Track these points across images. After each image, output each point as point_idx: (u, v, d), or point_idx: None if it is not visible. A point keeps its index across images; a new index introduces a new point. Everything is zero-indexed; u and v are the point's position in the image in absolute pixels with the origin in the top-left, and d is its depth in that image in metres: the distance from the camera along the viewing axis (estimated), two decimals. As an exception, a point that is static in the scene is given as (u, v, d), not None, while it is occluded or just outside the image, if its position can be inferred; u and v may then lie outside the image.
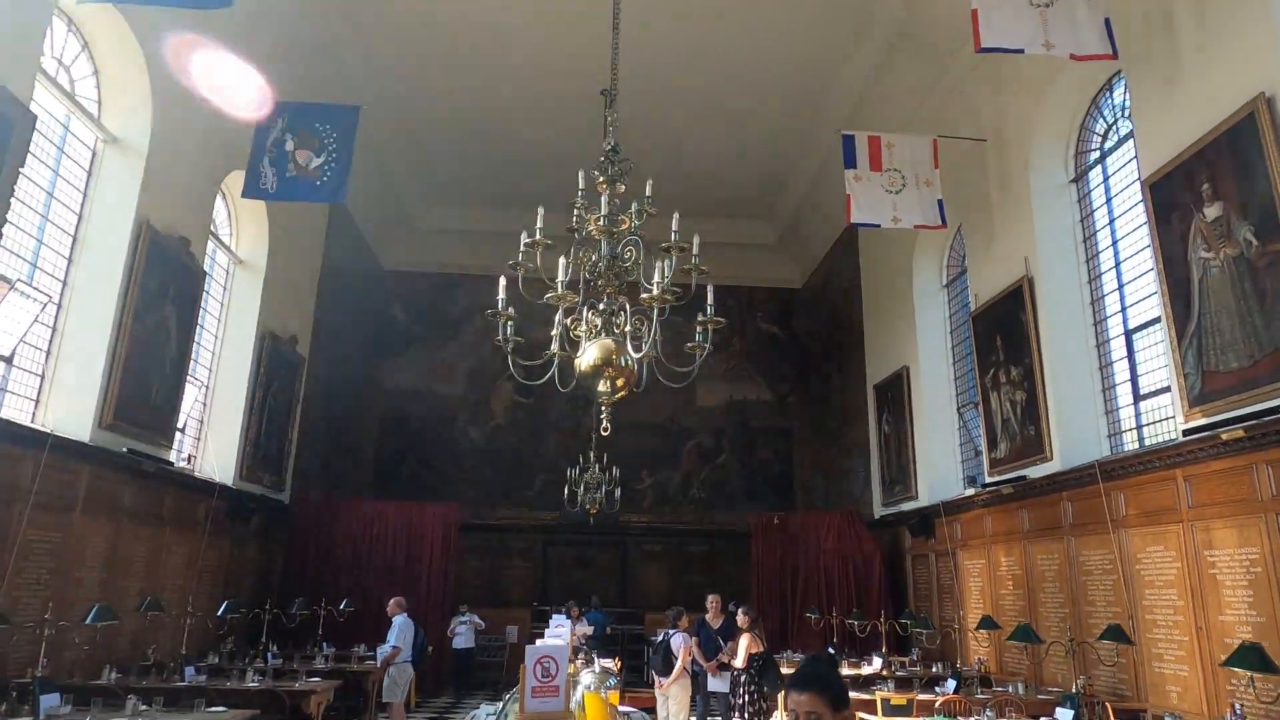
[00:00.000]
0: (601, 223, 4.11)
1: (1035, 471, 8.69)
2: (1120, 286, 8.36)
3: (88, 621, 5.97)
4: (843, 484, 15.33)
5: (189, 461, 10.04)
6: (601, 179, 4.41)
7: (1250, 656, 4.12)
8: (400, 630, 7.99)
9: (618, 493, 11.80)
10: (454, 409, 17.53)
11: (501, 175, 15.82)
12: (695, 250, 4.21)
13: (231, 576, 10.74)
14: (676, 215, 4.26)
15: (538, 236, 4.23)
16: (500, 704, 4.72)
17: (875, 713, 6.50)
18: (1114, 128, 8.65)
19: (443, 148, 15.00)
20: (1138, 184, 8.09)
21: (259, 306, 11.52)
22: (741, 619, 7.40)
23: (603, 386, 4.16)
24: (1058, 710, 5.56)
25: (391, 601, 8.30)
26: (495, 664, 13.05)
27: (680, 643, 7.41)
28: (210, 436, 10.74)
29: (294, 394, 12.70)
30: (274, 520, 12.03)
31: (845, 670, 9.03)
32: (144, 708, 5.32)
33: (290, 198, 9.57)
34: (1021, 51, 6.95)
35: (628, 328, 4.15)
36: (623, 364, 4.13)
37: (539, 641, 2.82)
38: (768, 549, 12.39)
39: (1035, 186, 9.27)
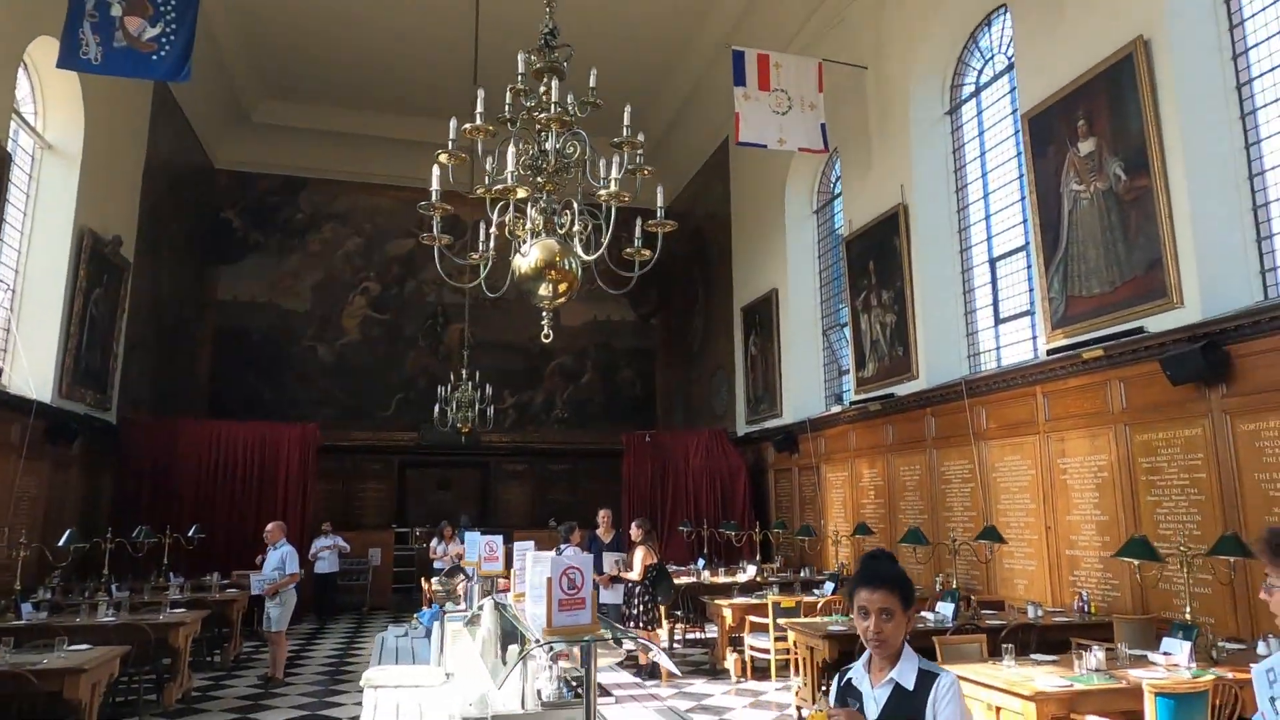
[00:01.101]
0: (553, 110, 3.75)
1: (903, 389, 9.24)
2: (988, 216, 8.88)
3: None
4: (704, 403, 15.75)
5: (-2, 376, 8.73)
6: (537, 65, 4.02)
7: (1138, 547, 4.60)
8: (292, 556, 7.39)
9: (490, 411, 11.47)
10: (300, 324, 16.33)
11: (351, 71, 14.49)
12: (640, 148, 3.99)
13: (54, 505, 9.58)
14: (628, 109, 3.99)
15: (477, 122, 3.80)
16: (427, 620, 4.48)
17: (766, 615, 6.81)
18: (990, 63, 9.03)
19: (284, 33, 13.47)
20: (1011, 118, 8.55)
21: (75, 201, 10.02)
22: (635, 532, 7.47)
23: (544, 290, 3.88)
24: (939, 604, 6.04)
25: (274, 526, 7.59)
26: (358, 587, 12.58)
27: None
28: (21, 348, 9.36)
29: (119, 302, 11.30)
30: (100, 442, 10.79)
31: (722, 578, 9.42)
32: (-13, 651, 4.62)
33: (119, 72, 8.24)
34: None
35: (576, 227, 3.88)
36: (566, 267, 3.87)
37: (564, 551, 2.61)
38: (639, 465, 12.58)
39: (914, 117, 9.58)
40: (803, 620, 6.02)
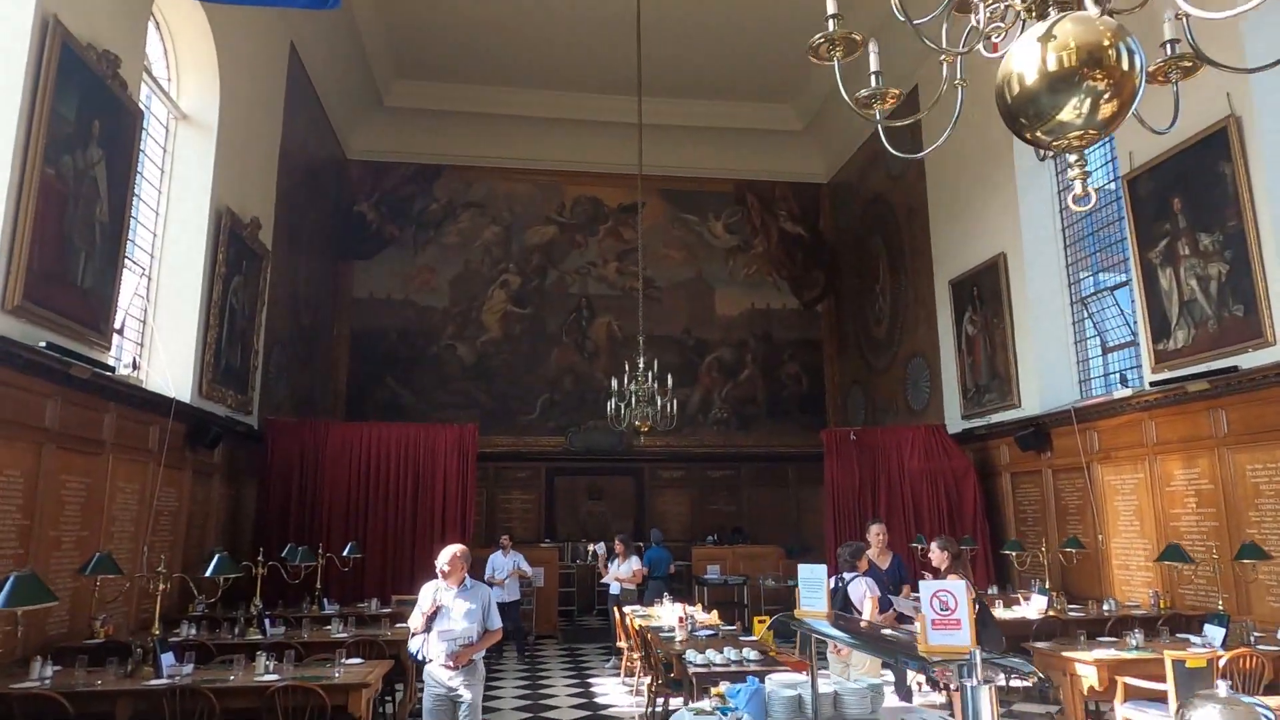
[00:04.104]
0: None
1: (1250, 360, 6.91)
2: (1381, 118, 6.50)
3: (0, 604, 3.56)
4: (896, 397, 13.57)
5: (134, 369, 7.55)
6: None
7: None
8: (493, 606, 4.81)
9: (672, 407, 9.72)
10: (438, 321, 15.08)
11: (486, 44, 13.16)
12: None
13: (195, 519, 8.41)
14: None
15: None
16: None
17: (1159, 679, 4.71)
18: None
19: (417, 7, 12.20)
20: None
21: (212, 176, 8.87)
22: (938, 555, 5.44)
23: (1071, 111, 2.00)
24: None
25: (456, 555, 4.19)
26: (524, 612, 11.00)
27: (864, 591, 5.40)
28: (158, 340, 8.21)
29: (259, 293, 10.16)
30: (242, 448, 9.64)
31: (999, 612, 7.27)
32: (113, 744, 3.13)
33: (261, 1, 6.95)
34: None
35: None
36: (1123, 61, 1.99)
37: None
38: (843, 468, 10.53)
39: None
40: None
